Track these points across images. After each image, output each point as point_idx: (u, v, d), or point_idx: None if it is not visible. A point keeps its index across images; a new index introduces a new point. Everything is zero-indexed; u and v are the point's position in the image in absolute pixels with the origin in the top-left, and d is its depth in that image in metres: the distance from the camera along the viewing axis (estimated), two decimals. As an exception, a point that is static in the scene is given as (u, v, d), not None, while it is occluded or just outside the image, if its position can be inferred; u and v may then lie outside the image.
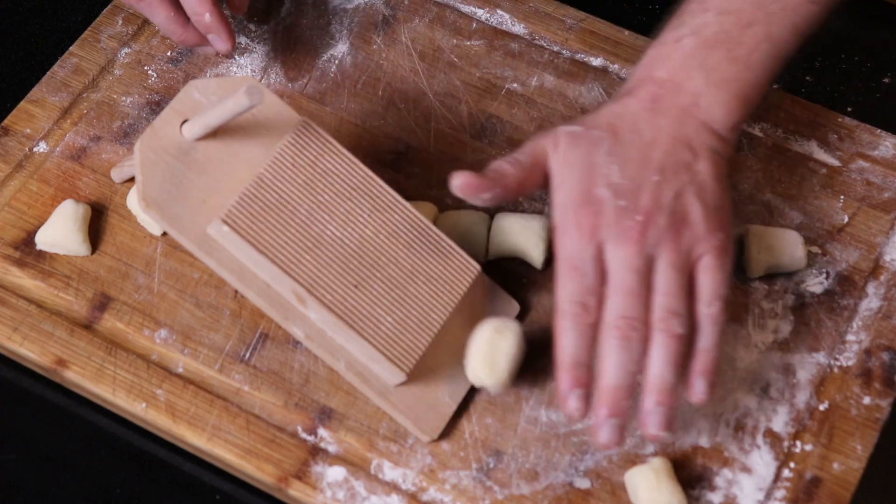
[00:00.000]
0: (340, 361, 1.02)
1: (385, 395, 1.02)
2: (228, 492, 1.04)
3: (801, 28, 1.04)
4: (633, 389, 0.95)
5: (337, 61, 1.21)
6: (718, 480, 1.02)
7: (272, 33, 1.23)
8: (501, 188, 0.99)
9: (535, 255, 1.10)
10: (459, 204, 1.13)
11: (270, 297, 1.01)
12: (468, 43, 1.22)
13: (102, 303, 1.09)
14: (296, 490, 1.01)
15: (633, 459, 1.02)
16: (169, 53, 1.21)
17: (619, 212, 0.96)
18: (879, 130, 1.18)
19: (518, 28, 1.23)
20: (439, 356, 1.04)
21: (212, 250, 1.00)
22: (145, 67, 1.20)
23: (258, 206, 1.00)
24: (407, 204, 1.05)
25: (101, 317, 1.08)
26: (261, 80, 1.19)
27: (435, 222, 1.11)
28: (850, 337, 1.08)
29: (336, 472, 1.02)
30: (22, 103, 1.18)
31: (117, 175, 1.14)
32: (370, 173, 1.04)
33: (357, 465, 1.02)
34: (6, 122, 1.17)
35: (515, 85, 1.20)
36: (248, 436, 1.03)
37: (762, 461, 1.03)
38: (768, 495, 1.01)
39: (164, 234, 1.11)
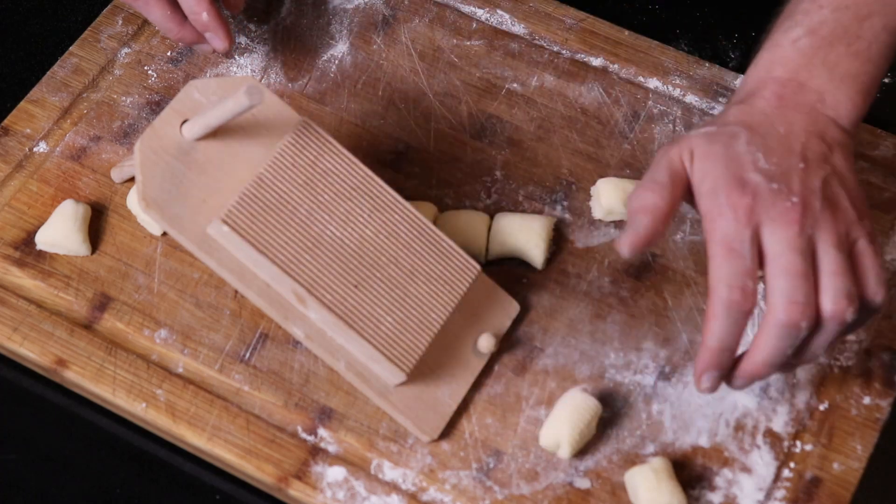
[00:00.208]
0: (340, 361, 1.02)
1: (385, 395, 1.02)
2: (228, 492, 1.04)
3: None
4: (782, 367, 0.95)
5: (337, 61, 1.21)
6: (718, 480, 1.02)
7: (272, 33, 1.23)
8: (661, 223, 0.94)
9: (535, 255, 1.10)
10: (459, 204, 1.14)
11: (270, 297, 1.01)
12: (468, 43, 1.22)
13: (102, 303, 1.09)
14: (296, 490, 1.01)
15: (633, 459, 1.02)
16: (169, 53, 1.21)
17: (775, 194, 0.93)
18: (879, 130, 1.18)
19: (518, 28, 1.23)
20: (439, 356, 1.04)
21: (212, 250, 1.00)
22: (145, 67, 1.20)
23: (258, 206, 1.00)
24: (407, 204, 1.05)
25: (101, 317, 1.08)
26: (261, 80, 1.19)
27: (435, 222, 1.11)
28: (850, 337, 1.08)
29: (336, 472, 1.02)
30: (22, 103, 1.18)
31: (117, 175, 1.14)
32: (370, 173, 1.04)
33: (357, 465, 1.02)
34: (6, 122, 1.17)
35: (515, 85, 1.20)
36: (248, 436, 1.03)
37: (762, 461, 1.03)
38: (768, 495, 1.01)
39: (164, 234, 1.11)
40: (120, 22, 1.23)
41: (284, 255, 1.00)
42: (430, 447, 1.03)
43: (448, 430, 1.03)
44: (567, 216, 1.13)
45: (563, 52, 1.22)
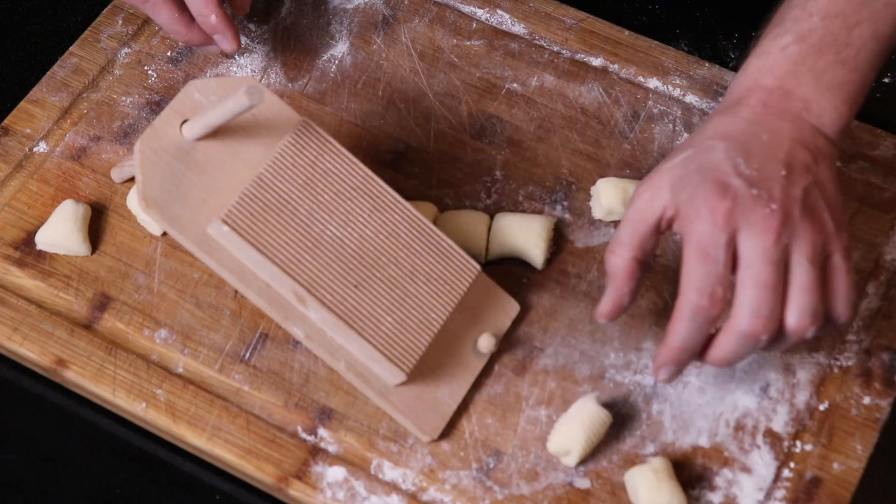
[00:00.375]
0: (340, 361, 1.02)
1: (385, 395, 1.02)
2: (228, 492, 1.04)
3: None
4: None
5: (337, 61, 1.21)
6: (718, 480, 1.02)
7: (272, 33, 1.23)
8: (635, 281, 0.97)
9: (535, 255, 1.10)
10: (459, 204, 1.14)
11: (270, 297, 1.01)
12: (468, 43, 1.22)
13: (102, 303, 1.09)
14: (296, 490, 1.01)
15: (633, 459, 1.02)
16: (169, 53, 1.21)
17: (755, 199, 0.93)
18: (879, 130, 1.18)
19: (518, 28, 1.23)
20: (439, 356, 1.04)
21: (212, 250, 1.00)
22: (145, 67, 1.20)
23: (258, 206, 1.00)
24: (407, 204, 1.05)
25: (101, 317, 1.08)
26: (261, 80, 1.19)
27: (435, 222, 1.11)
28: (850, 337, 1.08)
29: (336, 472, 1.02)
30: (22, 103, 1.18)
31: (117, 175, 1.14)
32: (370, 173, 1.04)
33: (357, 465, 1.02)
34: (6, 122, 1.17)
35: (515, 85, 1.20)
36: (248, 436, 1.03)
37: (762, 461, 1.03)
38: (768, 495, 1.01)
39: (164, 234, 1.11)
40: (120, 22, 1.23)
41: (284, 255, 1.00)
42: (430, 447, 1.03)
43: (448, 430, 1.03)
44: (567, 216, 1.13)
45: (563, 52, 1.22)
